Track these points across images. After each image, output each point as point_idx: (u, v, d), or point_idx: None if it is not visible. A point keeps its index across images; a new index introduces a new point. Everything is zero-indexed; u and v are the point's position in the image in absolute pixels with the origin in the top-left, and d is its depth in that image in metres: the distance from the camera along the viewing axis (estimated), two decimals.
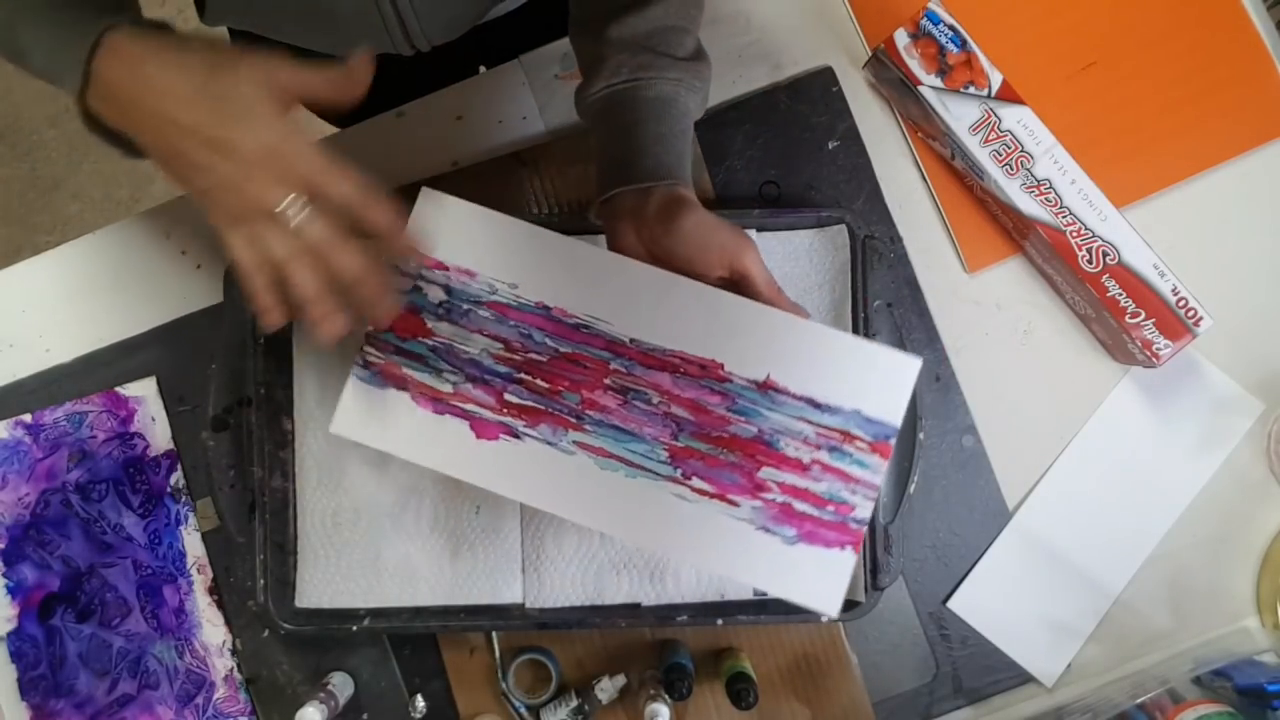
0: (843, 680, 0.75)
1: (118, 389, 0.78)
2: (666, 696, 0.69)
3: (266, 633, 0.76)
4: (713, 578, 0.71)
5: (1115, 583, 0.76)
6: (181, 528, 0.77)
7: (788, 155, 0.78)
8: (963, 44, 0.72)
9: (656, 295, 0.57)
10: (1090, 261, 0.71)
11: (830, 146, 0.79)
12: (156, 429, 0.77)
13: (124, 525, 0.77)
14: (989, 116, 0.72)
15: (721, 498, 0.56)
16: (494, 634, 0.74)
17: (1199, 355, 0.77)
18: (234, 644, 0.76)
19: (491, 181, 0.78)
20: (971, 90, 0.72)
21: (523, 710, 0.75)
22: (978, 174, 0.74)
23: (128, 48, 0.49)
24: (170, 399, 0.78)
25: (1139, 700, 0.70)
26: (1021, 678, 0.76)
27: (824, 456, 0.56)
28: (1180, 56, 0.79)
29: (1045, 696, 0.76)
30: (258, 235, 0.50)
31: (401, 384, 0.58)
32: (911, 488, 0.71)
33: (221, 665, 0.76)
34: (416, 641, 0.76)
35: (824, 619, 0.70)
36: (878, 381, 0.56)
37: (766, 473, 0.56)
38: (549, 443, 0.57)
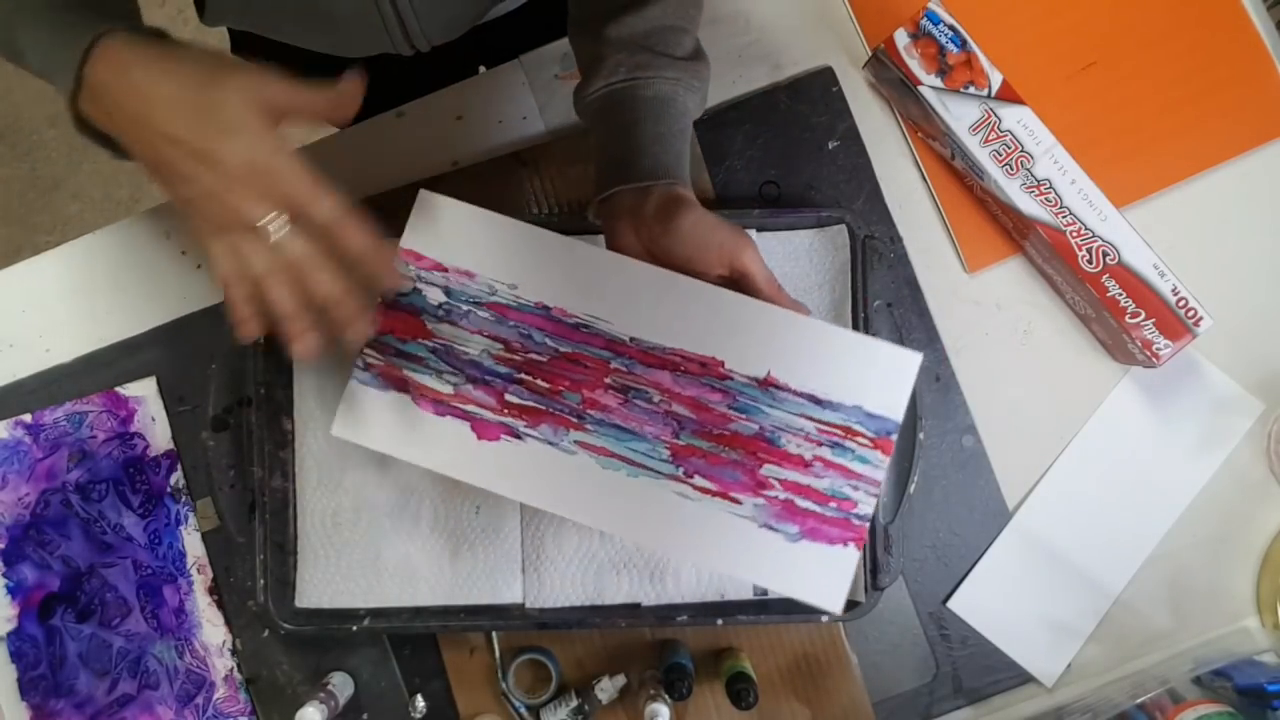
0: (843, 680, 0.75)
1: (118, 389, 0.78)
2: (666, 696, 0.69)
3: (266, 633, 0.76)
4: (713, 578, 0.71)
5: (1115, 583, 0.76)
6: (181, 528, 0.77)
7: (788, 155, 0.78)
8: (963, 44, 0.72)
9: (656, 294, 0.57)
10: (1090, 261, 0.71)
11: (830, 146, 0.79)
12: (156, 429, 0.77)
13: (124, 525, 0.77)
14: (989, 116, 0.72)
15: (724, 495, 0.56)
16: (494, 634, 0.74)
17: (1199, 355, 0.77)
18: (234, 644, 0.76)
19: (491, 181, 0.78)
20: (971, 90, 0.72)
21: (523, 710, 0.75)
22: (978, 174, 0.74)
23: (120, 54, 0.49)
24: (170, 399, 0.78)
25: (1139, 700, 0.70)
26: (1021, 678, 0.76)
27: (826, 453, 0.56)
28: (1180, 56, 0.79)
29: (1045, 696, 0.76)
30: (238, 247, 0.51)
31: (402, 386, 0.58)
32: (911, 488, 0.71)
33: (221, 665, 0.76)
34: (416, 641, 0.76)
35: (824, 619, 0.70)
36: (879, 377, 0.56)
37: (768, 470, 0.56)
38: (550, 443, 0.57)
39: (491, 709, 0.75)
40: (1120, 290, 0.71)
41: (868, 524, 0.57)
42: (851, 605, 0.70)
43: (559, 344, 0.57)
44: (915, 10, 0.73)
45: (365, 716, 0.75)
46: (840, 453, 0.56)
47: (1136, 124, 0.78)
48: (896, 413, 0.57)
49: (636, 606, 0.71)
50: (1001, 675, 0.76)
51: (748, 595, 0.72)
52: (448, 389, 0.58)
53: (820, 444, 0.57)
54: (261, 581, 0.70)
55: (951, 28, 0.72)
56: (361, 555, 0.72)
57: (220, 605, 0.76)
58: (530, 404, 0.57)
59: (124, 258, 0.79)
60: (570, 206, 0.78)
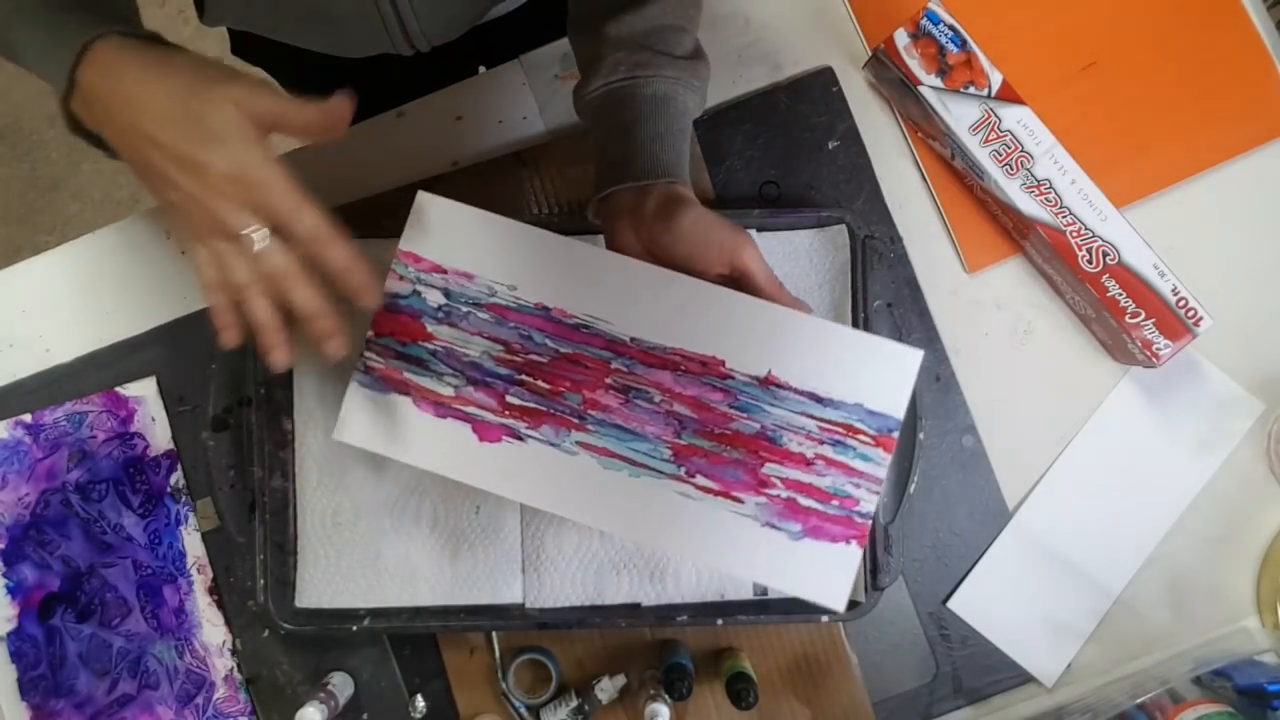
0: (843, 680, 0.75)
1: (118, 389, 0.78)
2: (666, 696, 0.69)
3: (266, 633, 0.76)
4: (713, 577, 0.71)
5: (1115, 583, 0.76)
6: (181, 528, 0.77)
7: (788, 155, 0.78)
8: (963, 44, 0.72)
9: (655, 293, 0.57)
10: (1090, 261, 0.71)
11: (830, 146, 0.79)
12: (156, 429, 0.77)
13: (124, 525, 0.77)
14: (989, 116, 0.72)
15: (726, 495, 0.56)
16: (494, 634, 0.74)
17: (1199, 355, 0.77)
18: (234, 644, 0.76)
19: (491, 181, 0.78)
20: (971, 90, 0.72)
21: (523, 710, 0.75)
22: (978, 174, 0.74)
23: (113, 59, 0.50)
24: (170, 399, 0.78)
25: (1139, 700, 0.70)
26: (1021, 678, 0.76)
27: (827, 451, 0.57)
28: (1180, 57, 0.79)
29: (1045, 696, 0.76)
30: (221, 255, 0.51)
31: (403, 389, 0.58)
32: (911, 488, 0.71)
33: (221, 665, 0.76)
34: (416, 641, 0.76)
35: (824, 619, 0.70)
36: (879, 374, 0.56)
37: (770, 469, 0.56)
38: (552, 444, 0.57)
39: (491, 709, 0.75)
40: (1120, 290, 0.71)
41: (870, 521, 0.57)
42: (851, 605, 0.69)
43: (559, 345, 0.57)
44: (915, 10, 0.73)
45: (365, 716, 0.75)
46: (842, 451, 0.57)
47: (1136, 124, 0.78)
48: (898, 410, 0.57)
49: (636, 606, 0.71)
50: (1001, 675, 0.76)
51: (748, 595, 0.72)
52: (448, 391, 0.58)
53: (822, 442, 0.57)
54: (261, 581, 0.70)
55: (951, 28, 0.72)
56: (361, 555, 0.72)
57: (220, 605, 0.76)
58: (531, 405, 0.57)
59: (124, 258, 0.79)
60: (570, 206, 0.78)
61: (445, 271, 0.58)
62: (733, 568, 0.59)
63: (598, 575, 0.71)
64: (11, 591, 0.77)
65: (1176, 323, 0.71)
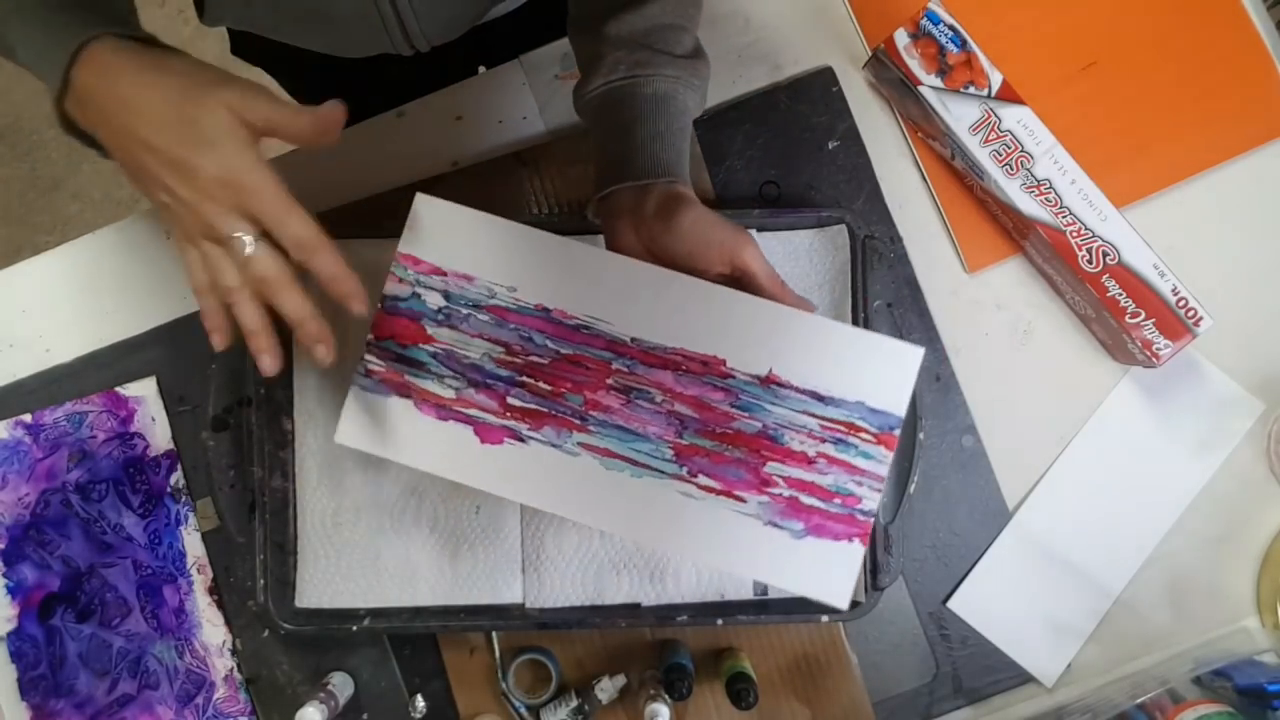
0: (843, 680, 0.75)
1: (118, 389, 0.78)
2: (666, 696, 0.69)
3: (266, 633, 0.76)
4: (713, 577, 0.71)
5: (1115, 583, 0.76)
6: (181, 528, 0.77)
7: (788, 155, 0.78)
8: (963, 44, 0.72)
9: (655, 293, 0.57)
10: (1090, 261, 0.71)
11: (830, 146, 0.79)
12: (156, 429, 0.77)
13: (124, 525, 0.77)
14: (989, 116, 0.72)
15: (728, 494, 0.56)
16: (494, 634, 0.74)
17: (1199, 355, 0.77)
18: (234, 644, 0.76)
19: (491, 181, 0.78)
20: (971, 90, 0.72)
21: (523, 710, 0.75)
22: (978, 174, 0.74)
23: (108, 60, 0.50)
24: (170, 399, 0.78)
25: (1139, 700, 0.70)
26: (1021, 678, 0.76)
27: (829, 449, 0.57)
28: (1180, 57, 0.79)
29: (1045, 696, 0.76)
30: (211, 258, 0.52)
31: (404, 391, 0.58)
32: (911, 488, 0.71)
33: (221, 665, 0.76)
34: (416, 641, 0.76)
35: (824, 619, 0.70)
36: (880, 372, 0.57)
37: (772, 467, 0.56)
38: (554, 445, 0.57)
39: (491, 709, 0.75)
40: (1120, 290, 0.71)
41: (872, 519, 0.57)
42: (851, 605, 0.69)
43: (560, 346, 0.57)
44: (915, 10, 0.73)
45: (365, 716, 0.75)
46: (843, 449, 0.57)
47: (1136, 124, 0.78)
48: (899, 408, 0.57)
49: (636, 606, 0.71)
50: (1001, 675, 0.76)
51: (748, 595, 0.72)
52: (449, 393, 0.58)
53: (823, 440, 0.57)
54: (261, 581, 0.70)
55: (951, 28, 0.72)
56: (361, 555, 0.72)
57: (220, 605, 0.76)
58: (532, 407, 0.57)
59: (124, 258, 0.79)
60: (570, 206, 0.78)
61: (445, 274, 0.58)
62: (736, 567, 0.59)
63: (598, 575, 0.71)
64: (11, 591, 0.77)
65: (1176, 323, 0.71)
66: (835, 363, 0.56)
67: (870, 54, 0.76)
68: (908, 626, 0.76)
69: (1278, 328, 0.78)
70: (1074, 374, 0.77)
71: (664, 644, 0.75)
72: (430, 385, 0.58)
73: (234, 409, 0.73)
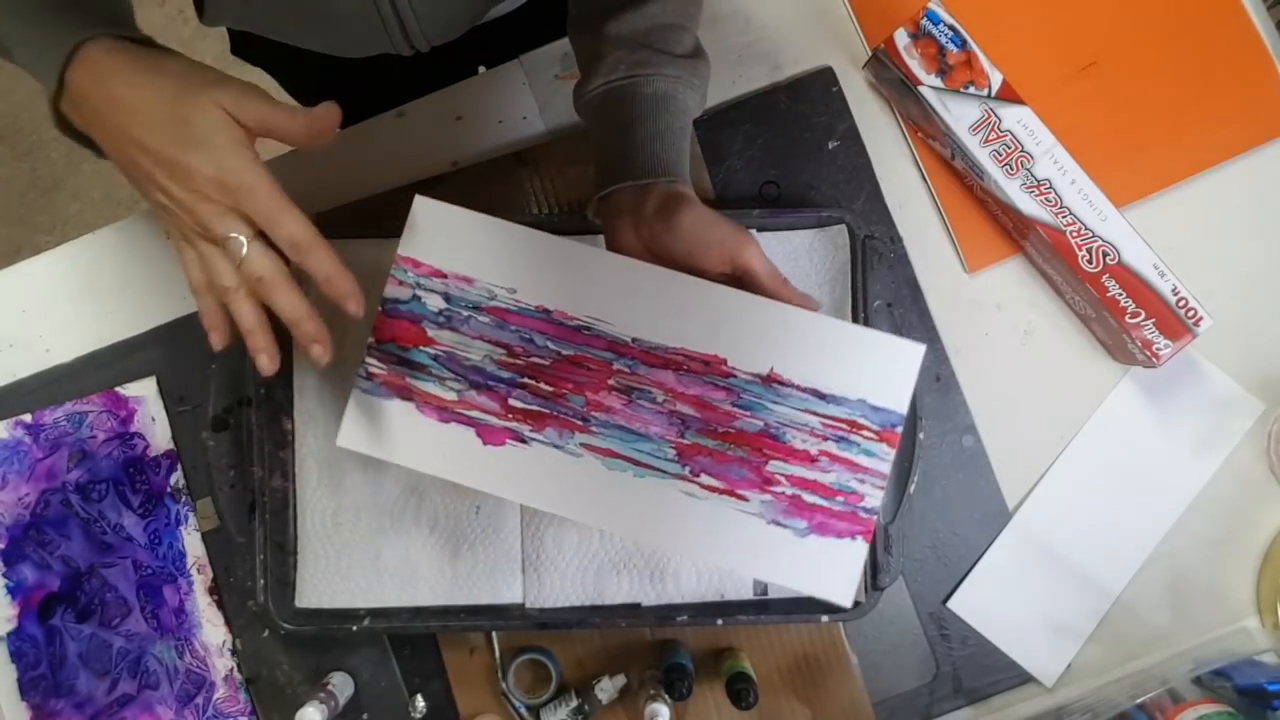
0: (843, 680, 0.75)
1: (118, 389, 0.78)
2: (666, 696, 0.69)
3: (266, 633, 0.76)
4: (713, 578, 0.71)
5: (1115, 583, 0.76)
6: (181, 528, 0.77)
7: (788, 155, 0.78)
8: (963, 44, 0.72)
9: (656, 293, 0.57)
10: (1090, 261, 0.71)
11: (830, 146, 0.79)
12: (156, 429, 0.77)
13: (124, 525, 0.77)
14: (989, 116, 0.72)
15: (731, 493, 0.56)
16: (494, 634, 0.74)
17: (1199, 355, 0.77)
18: (234, 644, 0.76)
19: (491, 181, 0.78)
20: (971, 90, 0.72)
21: (523, 710, 0.75)
22: (978, 174, 0.74)
23: (103, 62, 0.50)
24: (170, 399, 0.78)
25: (1139, 700, 0.70)
26: (1021, 678, 0.76)
27: (831, 447, 0.57)
28: (1180, 56, 0.79)
29: (1045, 696, 0.76)
30: (207, 258, 0.52)
31: (405, 394, 0.58)
32: (911, 488, 0.71)
33: (221, 665, 0.76)
34: (416, 641, 0.76)
35: (824, 619, 0.70)
36: (882, 369, 0.57)
37: (774, 466, 0.56)
38: (556, 446, 0.57)
39: (491, 709, 0.75)
40: (1120, 290, 0.71)
41: (875, 516, 0.57)
42: (852, 605, 0.70)
43: (561, 347, 0.57)
44: (915, 10, 0.73)
45: (365, 716, 0.75)
46: (846, 447, 0.57)
47: (1136, 124, 0.78)
48: (901, 405, 0.57)
49: (636, 606, 0.71)
50: (1001, 675, 0.76)
51: (748, 595, 0.72)
52: (451, 396, 0.58)
53: (825, 439, 0.57)
54: (261, 581, 0.70)
55: (951, 28, 0.72)
56: (361, 555, 0.72)
57: (220, 605, 0.76)
58: (534, 408, 0.57)
59: (124, 257, 0.79)
60: (570, 206, 0.78)
61: (445, 276, 0.58)
62: (739, 566, 0.59)
63: (598, 575, 0.71)
64: (11, 591, 0.77)
65: (1176, 323, 0.71)
66: (836, 360, 0.56)
67: (870, 54, 0.76)
68: (908, 626, 0.76)
69: (1278, 328, 0.78)
70: (1074, 374, 0.77)
71: (664, 644, 0.75)
72: (432, 388, 0.58)
73: (234, 409, 0.73)
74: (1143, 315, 0.71)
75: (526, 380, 0.57)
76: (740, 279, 0.57)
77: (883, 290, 0.73)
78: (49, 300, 0.79)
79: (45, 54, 0.51)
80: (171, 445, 0.77)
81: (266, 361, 0.54)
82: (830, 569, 0.56)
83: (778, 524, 0.56)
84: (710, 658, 0.75)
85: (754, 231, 0.73)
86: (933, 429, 0.76)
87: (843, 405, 0.57)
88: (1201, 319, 0.71)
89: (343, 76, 0.84)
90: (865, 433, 0.57)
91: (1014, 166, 0.72)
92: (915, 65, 0.73)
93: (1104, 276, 0.71)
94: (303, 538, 0.73)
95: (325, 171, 0.78)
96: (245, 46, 0.91)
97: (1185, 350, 0.71)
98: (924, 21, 0.73)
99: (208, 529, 0.77)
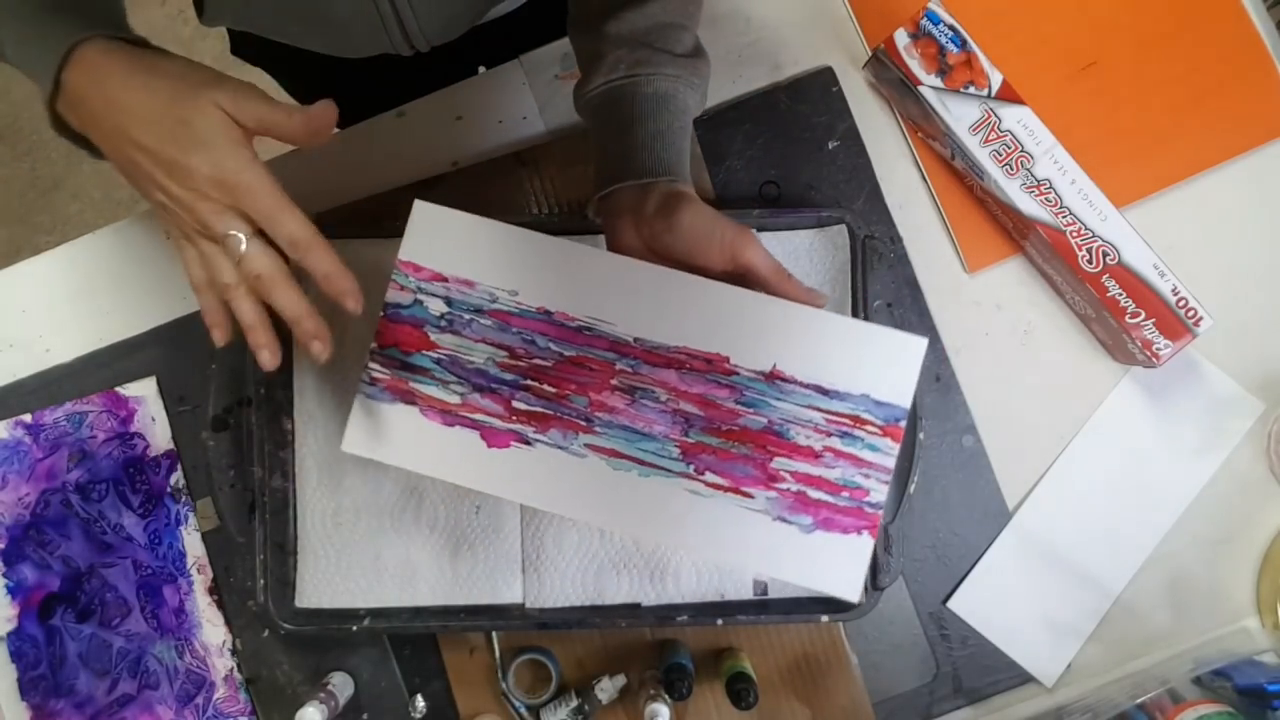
0: (843, 680, 0.75)
1: (118, 389, 0.78)
2: (666, 696, 0.69)
3: (266, 633, 0.76)
4: (713, 577, 0.71)
5: (1115, 583, 0.76)
6: (181, 528, 0.77)
7: (788, 155, 0.78)
8: (963, 44, 0.72)
9: (657, 292, 0.57)
10: (1090, 261, 0.71)
11: (830, 146, 0.79)
12: (156, 429, 0.77)
13: (124, 525, 0.77)
14: (989, 116, 0.72)
15: (736, 490, 0.56)
16: (494, 634, 0.74)
17: (1199, 355, 0.77)
18: (234, 644, 0.76)
19: (491, 181, 0.78)
20: (971, 90, 0.72)
21: (523, 710, 0.75)
22: (978, 174, 0.74)
23: (98, 63, 0.50)
24: (170, 399, 0.78)
25: (1139, 700, 0.70)
26: (1021, 678, 0.76)
27: (835, 443, 0.57)
28: (1180, 57, 0.79)
29: (1045, 696, 0.76)
30: (208, 256, 0.52)
31: (409, 398, 0.58)
32: (911, 488, 0.71)
33: (221, 665, 0.76)
34: (416, 641, 0.76)
35: (824, 619, 0.70)
36: (885, 364, 0.57)
37: (779, 463, 0.56)
38: (560, 447, 0.57)
39: (491, 709, 0.75)
40: (1120, 290, 0.71)
41: (880, 511, 0.57)
42: (852, 605, 0.70)
43: (563, 348, 0.57)
44: (915, 10, 0.73)
45: (365, 716, 0.75)
46: (850, 442, 0.57)
47: (1136, 124, 0.78)
48: (904, 399, 0.57)
49: (636, 606, 0.71)
50: (1001, 675, 0.76)
51: (748, 595, 0.72)
52: (455, 399, 0.58)
53: (829, 434, 0.57)
54: (261, 581, 0.70)
55: (951, 28, 0.72)
56: (361, 555, 0.72)
57: (220, 605, 0.76)
58: (538, 409, 0.57)
59: (124, 258, 0.79)
60: (570, 206, 0.78)
61: (446, 280, 0.58)
62: (745, 563, 0.59)
63: (598, 575, 0.72)
64: (11, 591, 0.77)
65: (1176, 323, 0.71)
66: (839, 356, 0.56)
67: (870, 54, 0.76)
68: (908, 626, 0.76)
69: (1278, 328, 0.78)
70: (1074, 374, 0.77)
71: (664, 644, 0.75)
72: (435, 391, 0.58)
73: (234, 409, 0.73)
74: (1143, 315, 0.71)
75: (529, 382, 0.57)
76: (743, 276, 0.57)
77: (883, 290, 0.73)
78: (49, 300, 0.79)
79: (41, 55, 0.51)
80: (171, 445, 0.77)
81: (268, 357, 0.55)
82: (836, 564, 0.56)
83: (783, 520, 0.56)
84: (710, 658, 0.75)
85: (754, 232, 0.73)
86: (933, 429, 0.76)
87: (846, 401, 0.57)
88: (1201, 319, 0.71)
89: (343, 76, 0.84)
90: (869, 428, 0.57)
91: (1014, 166, 0.72)
92: (915, 65, 0.73)
93: (1104, 276, 0.71)
94: (303, 538, 0.73)
95: (325, 171, 0.78)
96: (245, 47, 0.91)
97: (1185, 350, 0.71)
98: (924, 21, 0.73)
99: (208, 529, 0.77)
